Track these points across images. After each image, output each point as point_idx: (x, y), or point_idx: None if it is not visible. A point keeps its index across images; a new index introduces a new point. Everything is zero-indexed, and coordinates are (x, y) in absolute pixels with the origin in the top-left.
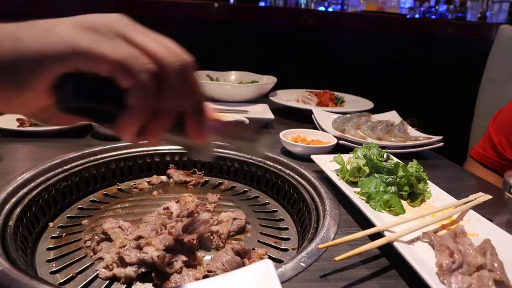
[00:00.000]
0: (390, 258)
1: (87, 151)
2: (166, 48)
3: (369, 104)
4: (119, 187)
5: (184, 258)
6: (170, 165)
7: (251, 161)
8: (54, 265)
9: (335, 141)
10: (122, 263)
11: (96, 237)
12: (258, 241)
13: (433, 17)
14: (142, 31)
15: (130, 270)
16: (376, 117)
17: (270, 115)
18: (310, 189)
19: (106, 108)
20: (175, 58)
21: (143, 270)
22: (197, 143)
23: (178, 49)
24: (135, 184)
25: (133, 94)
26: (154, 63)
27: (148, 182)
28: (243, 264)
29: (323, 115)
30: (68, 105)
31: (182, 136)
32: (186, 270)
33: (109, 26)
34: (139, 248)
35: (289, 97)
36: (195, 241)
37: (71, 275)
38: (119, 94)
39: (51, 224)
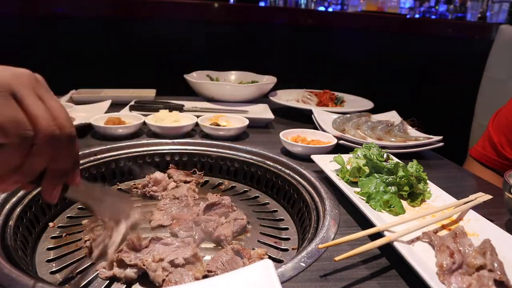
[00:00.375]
0: (390, 258)
1: (87, 151)
2: (51, 116)
3: (369, 104)
4: (119, 187)
5: (184, 255)
6: (170, 165)
7: (251, 161)
8: (54, 265)
9: (335, 141)
10: (122, 265)
11: (87, 242)
12: (258, 241)
13: (433, 17)
14: (41, 93)
15: (130, 272)
16: (376, 117)
17: (270, 115)
18: (310, 189)
19: None
20: (54, 128)
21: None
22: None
23: (63, 118)
24: (135, 184)
25: (2, 150)
26: (33, 130)
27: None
28: (243, 264)
29: (323, 115)
30: None
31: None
32: (186, 270)
33: (6, 84)
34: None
35: (289, 97)
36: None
37: (71, 275)
38: None
39: (51, 224)
